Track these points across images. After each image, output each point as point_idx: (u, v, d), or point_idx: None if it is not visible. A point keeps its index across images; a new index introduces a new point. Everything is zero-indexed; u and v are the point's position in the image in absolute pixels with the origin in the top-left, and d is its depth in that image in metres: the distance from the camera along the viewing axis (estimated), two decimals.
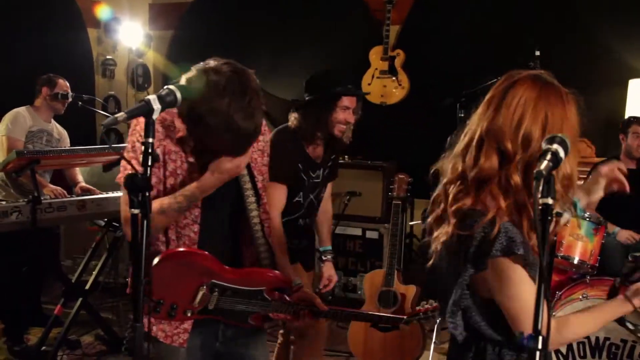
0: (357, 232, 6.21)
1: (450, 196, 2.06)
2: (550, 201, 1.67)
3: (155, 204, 2.42)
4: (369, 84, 7.49)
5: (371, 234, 6.18)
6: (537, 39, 5.60)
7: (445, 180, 2.14)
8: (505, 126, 2.02)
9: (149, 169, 2.04)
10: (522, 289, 1.94)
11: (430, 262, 2.14)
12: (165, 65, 8.61)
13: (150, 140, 2.05)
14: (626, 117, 6.01)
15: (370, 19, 7.62)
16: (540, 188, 1.66)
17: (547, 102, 2.02)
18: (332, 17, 7.61)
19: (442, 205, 2.10)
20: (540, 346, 1.60)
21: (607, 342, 4.31)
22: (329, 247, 4.12)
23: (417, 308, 3.25)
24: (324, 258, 4.08)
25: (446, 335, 5.21)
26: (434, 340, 5.07)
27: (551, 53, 5.67)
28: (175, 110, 2.38)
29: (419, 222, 6.73)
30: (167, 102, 2.13)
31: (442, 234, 2.07)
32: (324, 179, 3.91)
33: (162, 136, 2.51)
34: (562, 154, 1.74)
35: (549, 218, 1.67)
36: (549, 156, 1.71)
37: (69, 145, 5.51)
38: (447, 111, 5.21)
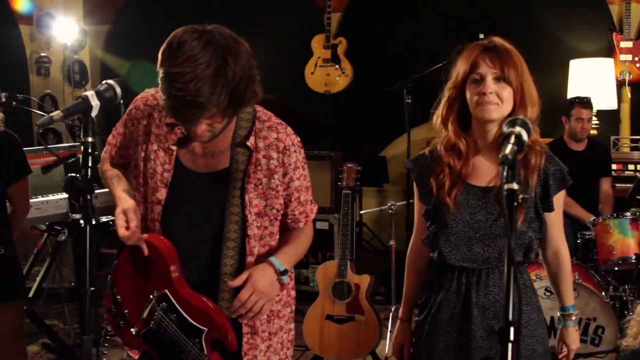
0: None
1: None
2: (515, 186, 1.62)
3: (107, 166, 2.45)
4: (312, 73, 7.44)
5: (321, 225, 6.09)
6: (480, 22, 5.59)
7: None
8: None
9: (89, 169, 1.91)
10: None
11: None
12: (102, 61, 8.39)
13: (90, 139, 1.93)
14: (568, 97, 6.05)
15: (312, 7, 7.53)
16: (505, 173, 1.60)
17: None
18: (273, 6, 7.49)
19: None
20: (512, 338, 1.54)
21: None
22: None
23: None
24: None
25: None
26: (389, 329, 5.03)
27: (494, 36, 5.67)
28: None
29: (369, 210, 6.70)
30: (106, 98, 2.01)
31: None
32: None
33: (142, 115, 2.33)
34: (525, 136, 1.69)
35: (515, 203, 1.63)
36: (512, 139, 1.66)
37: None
38: (393, 98, 5.16)
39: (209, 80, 1.97)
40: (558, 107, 5.67)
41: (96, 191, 4.32)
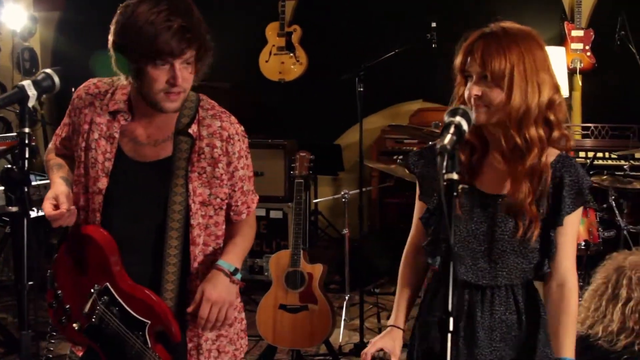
0: (261, 212, 6.07)
1: None
2: (455, 176, 1.62)
3: (51, 155, 2.42)
4: (267, 61, 7.40)
5: (275, 214, 6.08)
6: (433, 11, 5.61)
7: None
8: None
9: (26, 161, 1.86)
10: None
11: None
12: (53, 48, 8.23)
13: (26, 130, 1.88)
14: None
15: None
16: (445, 163, 1.60)
17: None
18: None
19: None
20: (451, 328, 1.54)
21: None
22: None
23: None
24: None
25: (355, 312, 5.18)
26: (343, 318, 5.04)
27: (447, 24, 5.71)
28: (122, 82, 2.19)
29: (324, 199, 6.70)
30: (43, 87, 1.96)
31: None
32: None
33: (84, 104, 2.29)
34: (465, 126, 1.69)
35: (455, 194, 1.62)
36: (452, 129, 1.66)
37: None
38: (348, 86, 5.15)
39: (189, 13, 2.09)
40: None
41: (44, 181, 4.25)
